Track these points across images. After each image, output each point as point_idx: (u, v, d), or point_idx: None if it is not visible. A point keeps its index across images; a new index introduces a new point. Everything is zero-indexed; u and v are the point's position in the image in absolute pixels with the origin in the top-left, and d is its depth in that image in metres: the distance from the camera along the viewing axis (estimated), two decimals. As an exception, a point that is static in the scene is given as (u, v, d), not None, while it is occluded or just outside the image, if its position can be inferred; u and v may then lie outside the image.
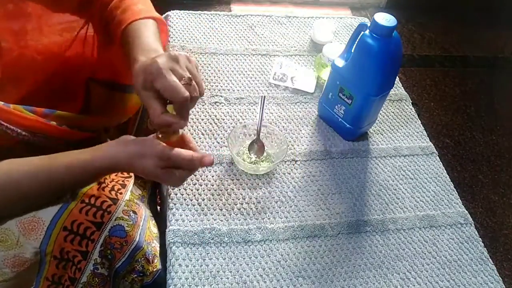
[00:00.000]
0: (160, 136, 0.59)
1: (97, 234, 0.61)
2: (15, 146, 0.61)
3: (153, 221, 0.72)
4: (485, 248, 0.76)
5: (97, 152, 0.57)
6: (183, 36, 1.03)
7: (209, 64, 0.97)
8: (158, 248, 0.69)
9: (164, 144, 0.56)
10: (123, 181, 0.70)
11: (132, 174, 0.73)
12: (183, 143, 0.60)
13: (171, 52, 0.57)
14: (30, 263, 0.59)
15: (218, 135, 0.84)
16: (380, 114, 0.94)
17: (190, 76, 0.57)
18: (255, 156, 0.80)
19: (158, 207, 0.92)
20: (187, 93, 0.54)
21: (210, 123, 0.85)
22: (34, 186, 0.56)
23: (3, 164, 0.56)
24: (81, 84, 0.74)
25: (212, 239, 0.69)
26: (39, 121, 0.61)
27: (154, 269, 0.67)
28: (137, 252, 0.64)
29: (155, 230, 0.71)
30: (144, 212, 0.69)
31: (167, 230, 0.69)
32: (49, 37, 0.66)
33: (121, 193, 0.67)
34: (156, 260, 0.68)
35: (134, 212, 0.67)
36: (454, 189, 0.84)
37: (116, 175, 0.71)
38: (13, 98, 0.60)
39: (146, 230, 0.68)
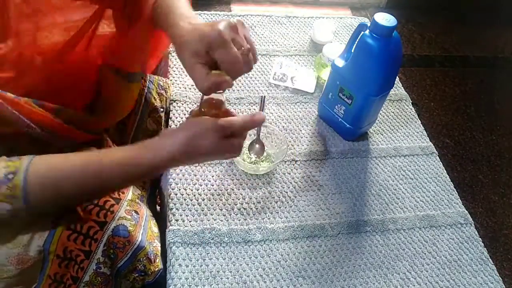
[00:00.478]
0: (204, 110, 0.58)
1: (100, 233, 0.61)
2: (19, 138, 0.61)
3: (154, 221, 0.72)
4: (485, 248, 0.76)
5: (149, 152, 0.54)
6: (183, 36, 1.02)
7: (209, 64, 0.97)
8: (159, 248, 0.69)
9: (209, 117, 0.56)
10: None
11: None
12: (228, 116, 0.58)
13: (230, 20, 0.55)
14: (33, 261, 0.59)
15: (218, 135, 0.84)
16: (380, 114, 0.94)
17: (249, 46, 0.55)
18: (255, 156, 0.80)
19: (158, 207, 0.92)
20: (246, 67, 0.54)
21: (210, 123, 0.85)
22: (83, 182, 0.54)
23: (53, 158, 0.54)
24: (92, 72, 0.72)
25: (212, 239, 0.69)
26: (47, 116, 0.60)
27: (156, 269, 0.67)
28: (139, 252, 0.64)
29: (155, 229, 0.71)
30: (145, 211, 0.69)
31: (167, 230, 0.69)
32: (56, 35, 0.65)
33: (123, 193, 0.67)
34: (158, 260, 0.68)
35: (136, 212, 0.67)
36: (454, 189, 0.84)
37: None
38: (19, 93, 0.59)
39: (147, 230, 0.68)
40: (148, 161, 0.53)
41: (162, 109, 0.84)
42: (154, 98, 0.83)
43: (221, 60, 0.53)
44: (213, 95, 0.59)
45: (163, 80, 0.86)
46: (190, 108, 0.87)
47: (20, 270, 0.59)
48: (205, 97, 0.59)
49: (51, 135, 0.62)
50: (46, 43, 0.63)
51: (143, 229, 0.66)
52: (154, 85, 0.83)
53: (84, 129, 0.66)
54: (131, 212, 0.66)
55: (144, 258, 0.65)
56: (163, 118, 0.85)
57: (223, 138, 0.54)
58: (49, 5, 0.61)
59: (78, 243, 0.60)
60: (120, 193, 0.66)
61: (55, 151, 0.57)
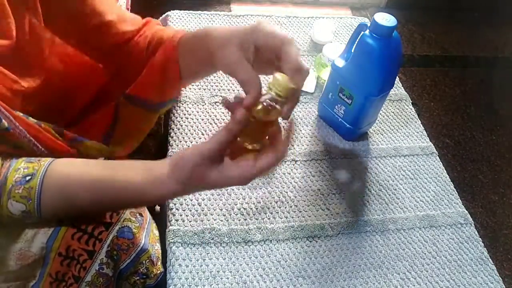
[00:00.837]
0: (257, 114, 0.49)
1: (105, 234, 0.61)
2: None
3: (154, 224, 0.72)
4: (485, 248, 0.77)
5: (154, 190, 0.54)
6: (183, 36, 1.02)
7: (209, 64, 0.97)
8: (160, 251, 0.70)
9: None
10: None
11: None
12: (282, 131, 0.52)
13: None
14: (34, 258, 0.59)
15: (218, 135, 0.84)
16: (380, 114, 0.94)
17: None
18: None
19: (158, 207, 0.92)
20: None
21: (210, 123, 0.85)
22: (90, 198, 0.55)
23: (70, 167, 0.55)
24: (111, 100, 0.71)
25: (212, 239, 0.69)
26: (65, 147, 0.61)
27: (158, 271, 0.67)
28: (142, 254, 0.64)
29: (156, 232, 0.72)
30: (148, 214, 0.70)
31: (167, 230, 0.69)
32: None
33: None
34: (159, 263, 0.68)
35: (141, 214, 0.67)
36: (454, 189, 0.84)
37: None
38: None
39: (150, 232, 0.68)
40: (154, 198, 0.56)
41: None
42: None
43: (286, 59, 0.50)
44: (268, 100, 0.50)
45: None
46: (190, 108, 0.87)
47: (20, 266, 0.59)
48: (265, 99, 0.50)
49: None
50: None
51: (146, 232, 0.67)
52: None
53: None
54: (135, 214, 0.66)
55: (147, 260, 0.65)
56: (162, 119, 0.84)
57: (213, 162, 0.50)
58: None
59: (82, 243, 0.60)
60: None
61: None
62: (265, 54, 0.54)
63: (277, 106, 0.49)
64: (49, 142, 0.59)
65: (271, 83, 0.49)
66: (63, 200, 0.55)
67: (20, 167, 0.54)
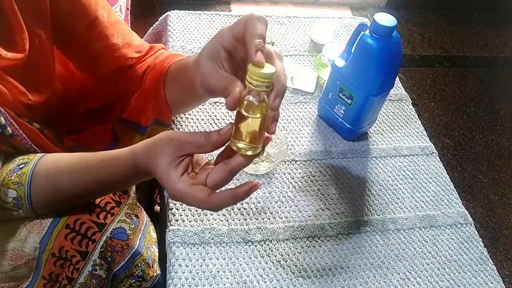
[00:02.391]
0: (243, 112, 0.45)
1: (98, 234, 0.61)
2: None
3: (152, 226, 0.72)
4: (485, 248, 0.77)
5: (131, 150, 0.53)
6: (183, 36, 1.03)
7: (209, 64, 0.97)
8: (157, 253, 0.69)
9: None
10: None
11: None
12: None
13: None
14: (27, 258, 0.59)
15: (218, 135, 0.84)
16: (380, 114, 0.94)
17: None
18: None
19: (158, 207, 0.92)
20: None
21: (210, 123, 0.85)
22: (73, 182, 0.56)
23: (60, 155, 0.56)
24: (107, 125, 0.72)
25: (212, 239, 0.69)
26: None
27: (154, 274, 0.67)
28: (136, 257, 0.64)
29: (154, 235, 0.71)
30: (145, 216, 0.69)
31: (167, 230, 0.69)
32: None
33: (125, 196, 0.67)
34: (155, 265, 0.67)
35: (137, 216, 0.67)
36: (454, 189, 0.84)
37: None
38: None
39: (146, 235, 0.68)
40: (128, 167, 0.53)
41: None
42: None
43: (248, 35, 0.44)
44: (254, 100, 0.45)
45: None
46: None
47: (12, 266, 0.59)
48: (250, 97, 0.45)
49: None
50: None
51: (142, 234, 0.66)
52: None
53: None
54: (131, 216, 0.65)
55: (143, 263, 0.65)
56: None
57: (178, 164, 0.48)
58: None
59: (75, 243, 0.60)
60: (121, 197, 0.66)
61: None
62: (240, 52, 0.49)
63: (262, 98, 0.45)
64: (48, 147, 0.61)
65: (247, 76, 0.44)
66: (50, 186, 0.56)
67: (16, 159, 0.57)
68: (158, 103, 0.65)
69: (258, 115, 0.45)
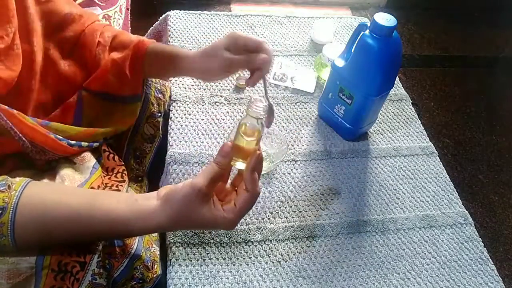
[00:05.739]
0: (245, 136, 0.55)
1: (94, 244, 0.60)
2: (7, 146, 0.62)
3: None
4: (485, 248, 0.77)
5: (138, 221, 0.54)
6: (183, 36, 1.03)
7: (209, 64, 0.97)
8: (158, 253, 0.69)
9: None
10: (116, 186, 0.68)
11: (125, 178, 0.72)
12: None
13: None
14: (25, 275, 0.57)
15: (218, 135, 0.84)
16: (380, 114, 0.94)
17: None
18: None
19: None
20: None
21: (210, 123, 0.85)
22: (74, 231, 0.54)
23: (46, 198, 0.53)
24: (71, 96, 0.73)
25: (212, 239, 0.69)
26: (39, 131, 0.61)
27: (155, 275, 0.66)
28: (135, 261, 0.63)
29: (154, 233, 0.71)
30: None
31: (167, 230, 0.69)
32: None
33: None
34: (156, 266, 0.67)
35: None
36: (454, 189, 0.84)
37: (109, 179, 0.70)
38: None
39: (144, 236, 0.67)
40: (138, 230, 0.55)
41: (159, 114, 0.83)
42: (152, 103, 0.81)
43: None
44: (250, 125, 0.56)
45: (160, 83, 0.85)
46: (190, 108, 0.87)
47: (11, 284, 0.57)
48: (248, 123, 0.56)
49: (43, 151, 0.64)
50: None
51: (140, 237, 0.66)
52: (151, 89, 0.82)
53: (77, 144, 0.67)
54: None
55: (141, 266, 0.64)
56: (160, 122, 0.84)
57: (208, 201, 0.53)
58: None
59: (73, 255, 0.59)
60: None
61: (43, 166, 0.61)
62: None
63: (258, 125, 0.55)
64: (25, 127, 0.60)
65: (247, 108, 0.55)
66: (39, 233, 0.53)
67: None
68: (133, 75, 0.72)
69: (252, 138, 0.55)
